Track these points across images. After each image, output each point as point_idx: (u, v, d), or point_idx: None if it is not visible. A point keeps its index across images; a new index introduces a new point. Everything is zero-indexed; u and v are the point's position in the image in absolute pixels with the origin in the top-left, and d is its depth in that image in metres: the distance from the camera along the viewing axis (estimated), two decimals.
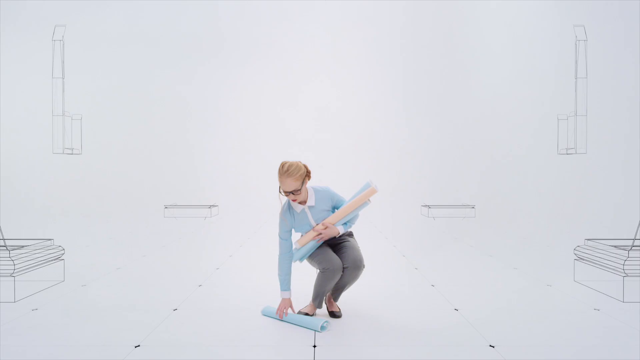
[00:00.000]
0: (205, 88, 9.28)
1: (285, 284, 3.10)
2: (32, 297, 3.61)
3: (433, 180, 9.21)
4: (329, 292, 3.15)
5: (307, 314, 3.17)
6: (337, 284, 3.13)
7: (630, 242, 3.68)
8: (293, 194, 2.95)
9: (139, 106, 10.08)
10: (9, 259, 3.66)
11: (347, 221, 3.11)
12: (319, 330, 2.88)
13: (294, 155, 8.10)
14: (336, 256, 3.04)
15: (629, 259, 3.60)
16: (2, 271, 3.61)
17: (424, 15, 12.16)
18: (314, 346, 2.69)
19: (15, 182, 3.71)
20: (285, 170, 2.91)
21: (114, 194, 9.19)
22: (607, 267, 3.75)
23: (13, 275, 3.60)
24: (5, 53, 3.67)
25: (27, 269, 3.77)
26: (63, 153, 8.12)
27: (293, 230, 3.18)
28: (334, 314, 3.19)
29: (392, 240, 6.41)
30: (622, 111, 3.80)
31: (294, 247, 3.14)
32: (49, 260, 4.02)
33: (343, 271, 3.05)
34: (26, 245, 3.89)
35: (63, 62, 8.14)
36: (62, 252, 4.19)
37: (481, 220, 8.39)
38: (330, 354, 2.58)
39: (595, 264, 3.90)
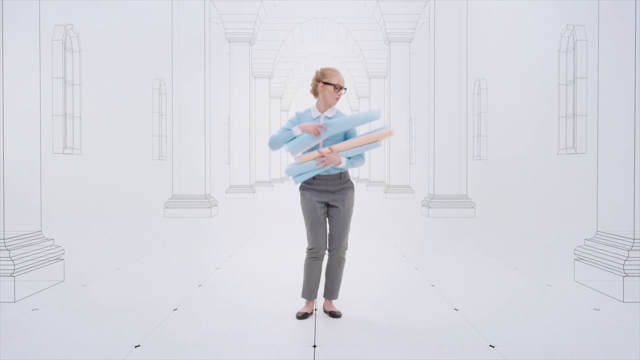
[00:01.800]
0: (205, 88, 9.28)
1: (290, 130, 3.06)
2: (32, 297, 3.61)
3: (433, 180, 9.20)
4: (317, 280, 3.19)
5: (306, 314, 3.17)
6: (326, 275, 3.20)
7: (630, 242, 3.68)
8: (340, 90, 3.09)
9: (139, 106, 10.08)
10: (9, 259, 3.66)
11: (352, 158, 3.06)
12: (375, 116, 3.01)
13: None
14: (325, 239, 3.14)
15: (629, 259, 3.60)
16: (2, 271, 3.61)
17: (424, 15, 12.17)
18: (314, 346, 2.69)
19: (15, 182, 3.72)
20: (334, 68, 3.15)
21: (114, 194, 9.19)
22: (607, 267, 3.75)
23: (13, 275, 3.60)
24: (5, 53, 3.68)
25: (27, 269, 3.77)
26: (63, 153, 8.12)
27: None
28: (334, 314, 3.19)
29: (392, 240, 6.41)
30: (622, 111, 3.80)
31: (294, 160, 3.10)
32: (49, 260, 4.02)
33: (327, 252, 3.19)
34: (26, 245, 3.89)
35: (64, 62, 8.15)
36: (62, 252, 4.19)
37: (481, 220, 8.39)
38: (330, 354, 2.59)
39: (595, 264, 3.90)
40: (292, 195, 13.30)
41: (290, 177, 3.14)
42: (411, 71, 13.23)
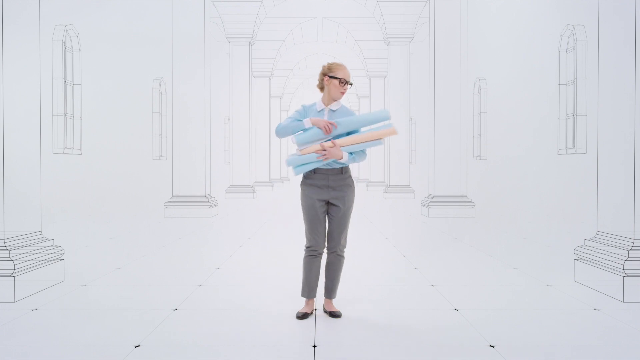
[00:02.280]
0: (205, 88, 9.27)
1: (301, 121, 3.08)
2: (32, 297, 3.61)
3: (433, 180, 9.20)
4: (316, 278, 3.19)
5: (305, 314, 3.17)
6: (326, 274, 3.21)
7: (630, 242, 3.68)
8: (346, 84, 3.10)
9: (139, 106, 10.08)
10: (9, 259, 3.66)
11: (354, 153, 3.07)
12: (387, 117, 3.04)
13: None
14: (324, 237, 3.15)
15: (628, 259, 3.60)
16: (2, 271, 3.61)
17: (424, 15, 12.17)
18: (314, 346, 2.69)
19: (15, 182, 3.72)
20: (341, 63, 3.16)
21: (114, 194, 9.18)
22: (607, 267, 3.75)
23: (13, 275, 3.60)
24: (5, 53, 3.69)
25: (27, 269, 3.77)
26: (63, 153, 8.11)
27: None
28: (333, 314, 3.19)
29: (392, 240, 6.41)
30: (622, 111, 3.81)
31: (295, 152, 3.12)
32: (49, 260, 4.02)
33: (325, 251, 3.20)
34: (26, 245, 3.88)
35: (64, 62, 8.14)
36: (62, 252, 4.19)
37: (481, 220, 8.38)
38: (330, 354, 2.59)
39: (595, 264, 3.90)
40: (292, 195, 13.29)
41: (291, 168, 3.14)
42: (411, 71, 13.23)
